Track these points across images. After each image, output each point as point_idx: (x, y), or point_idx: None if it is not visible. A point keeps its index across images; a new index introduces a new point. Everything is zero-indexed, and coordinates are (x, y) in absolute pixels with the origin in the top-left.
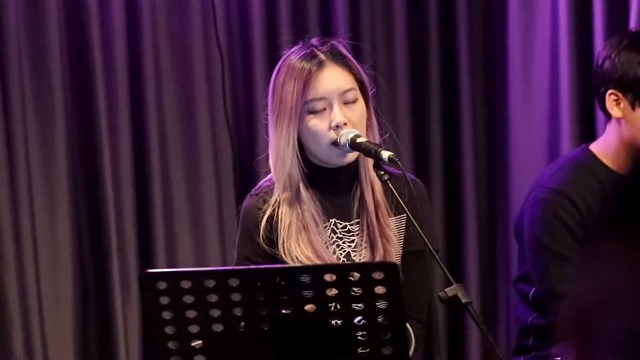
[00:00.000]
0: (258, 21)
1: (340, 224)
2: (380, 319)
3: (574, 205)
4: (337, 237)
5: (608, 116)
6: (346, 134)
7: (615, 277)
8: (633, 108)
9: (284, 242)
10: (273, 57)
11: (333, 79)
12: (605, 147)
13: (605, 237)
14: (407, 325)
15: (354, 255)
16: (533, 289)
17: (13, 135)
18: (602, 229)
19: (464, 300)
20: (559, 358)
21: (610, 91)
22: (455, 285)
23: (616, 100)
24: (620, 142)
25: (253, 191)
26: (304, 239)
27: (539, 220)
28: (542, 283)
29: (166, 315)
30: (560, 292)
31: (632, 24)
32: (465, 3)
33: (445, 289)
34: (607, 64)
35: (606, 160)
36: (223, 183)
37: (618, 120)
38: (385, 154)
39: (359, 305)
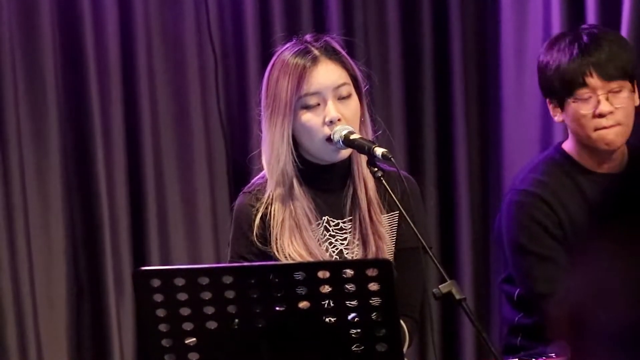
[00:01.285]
0: (251, 18)
1: (333, 221)
2: (374, 316)
3: (549, 205)
4: (330, 235)
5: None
6: (340, 131)
7: (608, 273)
8: (563, 111)
9: (276, 239)
10: (266, 55)
11: (327, 74)
12: (571, 147)
13: (598, 234)
14: (401, 321)
15: (347, 253)
16: (517, 290)
17: (6, 134)
18: (595, 225)
19: (458, 297)
20: (550, 356)
21: (547, 100)
22: (449, 281)
23: (554, 107)
24: (576, 142)
25: (246, 189)
26: (297, 237)
27: (515, 223)
28: (526, 285)
29: (160, 312)
30: (545, 292)
31: (624, 24)
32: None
33: (439, 286)
34: (538, 71)
35: (577, 158)
36: (216, 181)
37: (564, 124)
38: (379, 151)
39: (352, 302)
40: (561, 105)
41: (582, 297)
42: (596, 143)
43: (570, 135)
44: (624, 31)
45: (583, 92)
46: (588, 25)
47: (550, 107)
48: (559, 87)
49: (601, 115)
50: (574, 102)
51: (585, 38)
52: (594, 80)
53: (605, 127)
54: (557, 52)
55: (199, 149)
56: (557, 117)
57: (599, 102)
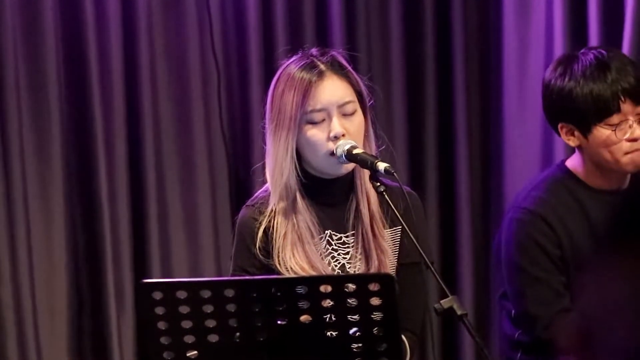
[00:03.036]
0: (254, 32)
1: (336, 235)
2: (375, 331)
3: (549, 225)
4: (332, 249)
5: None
6: (343, 145)
7: (618, 292)
8: (585, 137)
9: (279, 252)
10: (269, 69)
11: (333, 90)
12: (577, 167)
13: (607, 254)
14: (402, 336)
15: (349, 267)
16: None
17: (9, 146)
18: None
19: (459, 312)
20: None
21: (560, 124)
22: (450, 297)
23: (569, 131)
24: (589, 165)
25: (249, 202)
26: (299, 250)
27: (514, 241)
28: (518, 303)
29: (162, 325)
30: (534, 314)
31: (627, 29)
32: (461, 14)
33: (441, 301)
34: (549, 96)
35: (581, 176)
36: (218, 194)
37: (579, 147)
38: (382, 166)
39: (354, 316)
40: (584, 131)
41: (591, 315)
42: (625, 166)
43: (580, 157)
44: (626, 48)
45: (615, 118)
46: (599, 48)
47: (562, 131)
48: (589, 113)
49: (634, 140)
50: (603, 127)
51: (610, 62)
52: (626, 106)
53: (636, 150)
54: (584, 79)
55: (200, 161)
56: (572, 141)
57: (630, 126)
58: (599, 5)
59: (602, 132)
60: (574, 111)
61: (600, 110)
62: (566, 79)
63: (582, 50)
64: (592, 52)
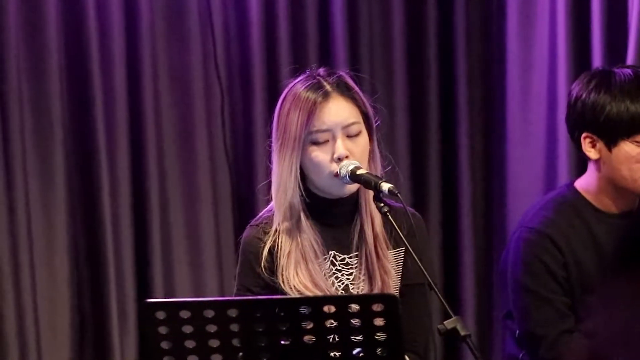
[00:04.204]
0: (257, 50)
1: (339, 256)
2: (379, 351)
3: (556, 245)
4: (336, 270)
5: (585, 156)
6: (346, 166)
7: (626, 315)
8: (609, 150)
9: (282, 270)
10: (273, 89)
11: (338, 111)
12: (588, 186)
13: (619, 275)
14: (406, 357)
15: (352, 288)
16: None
17: (12, 161)
18: (616, 267)
19: (462, 333)
20: None
21: (584, 134)
22: (454, 317)
23: (592, 142)
24: (602, 183)
25: (253, 222)
26: (302, 268)
27: (520, 261)
28: (522, 323)
29: (165, 345)
30: (538, 333)
31: (632, 34)
32: (464, 31)
33: (444, 322)
34: (578, 106)
35: (590, 198)
36: (221, 212)
37: (597, 161)
38: (386, 186)
39: (357, 337)
40: (609, 144)
41: (602, 336)
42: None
43: (594, 174)
44: (630, 56)
45: None
46: (636, 67)
47: (585, 142)
48: (620, 127)
49: None
50: (630, 143)
51: None
52: None
53: None
54: (621, 94)
55: (204, 180)
56: (592, 153)
57: None
58: (602, 10)
59: (627, 147)
60: (604, 124)
61: (632, 126)
62: (601, 93)
63: (617, 66)
64: (630, 69)
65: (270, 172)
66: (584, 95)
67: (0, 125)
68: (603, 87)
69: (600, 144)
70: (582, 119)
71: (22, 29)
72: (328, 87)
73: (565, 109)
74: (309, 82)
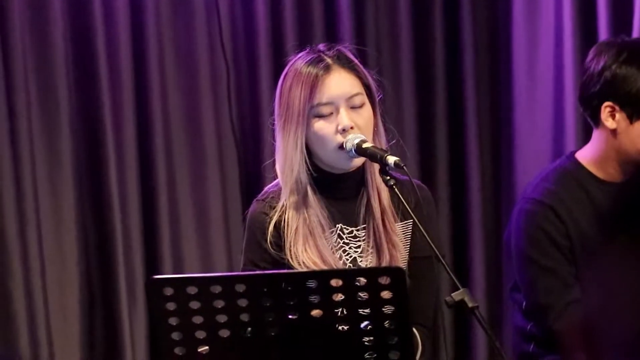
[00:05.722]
0: (263, 29)
1: (347, 229)
2: (386, 324)
3: (558, 216)
4: (344, 243)
5: (596, 125)
6: (352, 139)
7: (620, 284)
8: (631, 122)
9: (290, 246)
10: (278, 65)
11: (340, 84)
12: (592, 156)
13: (610, 246)
14: (414, 330)
15: (360, 261)
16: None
17: (20, 147)
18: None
19: (470, 305)
20: None
21: (606, 103)
22: (461, 290)
23: (612, 112)
24: (611, 152)
25: (259, 197)
26: (311, 244)
27: (523, 232)
28: (528, 295)
29: (173, 321)
30: (544, 303)
31: (638, 7)
32: (470, 10)
33: (452, 294)
34: (606, 75)
35: (593, 168)
36: (229, 189)
37: (612, 131)
38: (391, 159)
39: (365, 310)
40: (632, 117)
41: (595, 307)
42: None
43: (600, 144)
44: (636, 29)
45: None
46: None
47: (605, 110)
48: None
49: None
50: None
51: None
52: None
53: None
54: None
55: (211, 158)
56: (610, 123)
57: None
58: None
59: None
60: (634, 96)
61: None
62: (634, 66)
63: None
64: None
65: (274, 150)
66: (614, 67)
67: (7, 106)
68: (636, 60)
69: (620, 115)
70: (609, 89)
71: (28, 9)
72: (329, 60)
73: (584, 78)
74: (310, 57)
